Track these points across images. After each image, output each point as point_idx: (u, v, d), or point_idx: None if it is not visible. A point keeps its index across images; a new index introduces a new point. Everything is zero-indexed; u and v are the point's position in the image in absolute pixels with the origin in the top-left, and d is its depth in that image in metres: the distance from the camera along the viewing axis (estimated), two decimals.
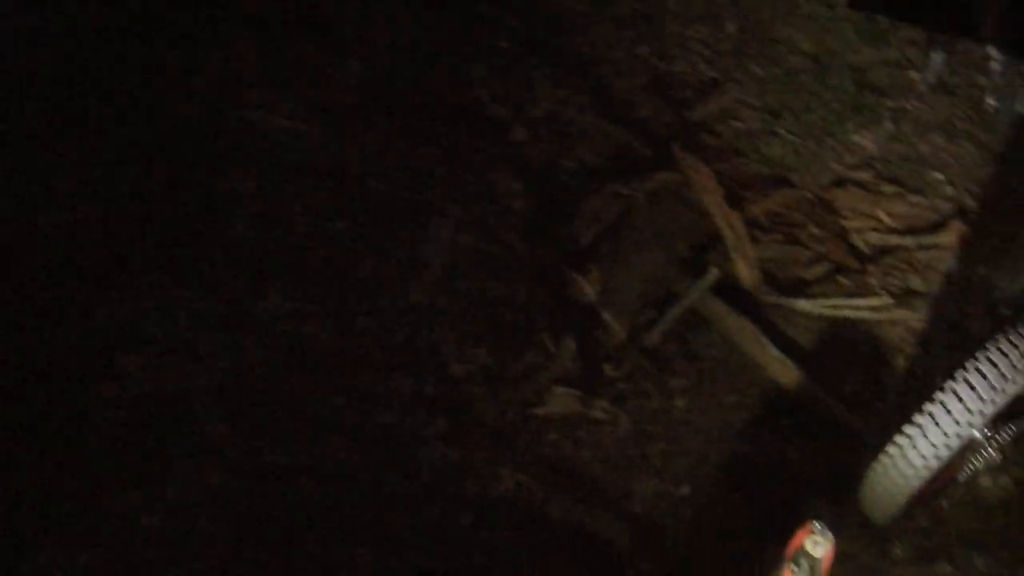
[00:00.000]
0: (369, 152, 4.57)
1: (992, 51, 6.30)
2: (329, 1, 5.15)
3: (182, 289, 4.00)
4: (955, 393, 3.23)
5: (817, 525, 2.78)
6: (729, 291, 4.46)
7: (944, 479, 3.50)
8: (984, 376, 3.21)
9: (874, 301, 4.56)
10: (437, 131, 4.75)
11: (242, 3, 5.06)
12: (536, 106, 5.05)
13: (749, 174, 5.03)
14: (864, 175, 5.43)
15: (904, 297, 4.64)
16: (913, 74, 6.50)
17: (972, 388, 3.21)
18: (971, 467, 3.72)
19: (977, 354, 3.28)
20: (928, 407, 3.28)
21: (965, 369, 3.25)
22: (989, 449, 3.64)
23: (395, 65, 5.00)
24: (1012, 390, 3.21)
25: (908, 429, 3.31)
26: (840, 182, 5.31)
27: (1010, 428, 3.59)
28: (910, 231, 5.10)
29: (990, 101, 6.30)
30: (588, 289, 4.24)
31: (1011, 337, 3.30)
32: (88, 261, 4.12)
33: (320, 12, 5.10)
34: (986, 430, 3.35)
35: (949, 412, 3.22)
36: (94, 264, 4.11)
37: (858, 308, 4.53)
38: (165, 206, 4.29)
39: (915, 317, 4.58)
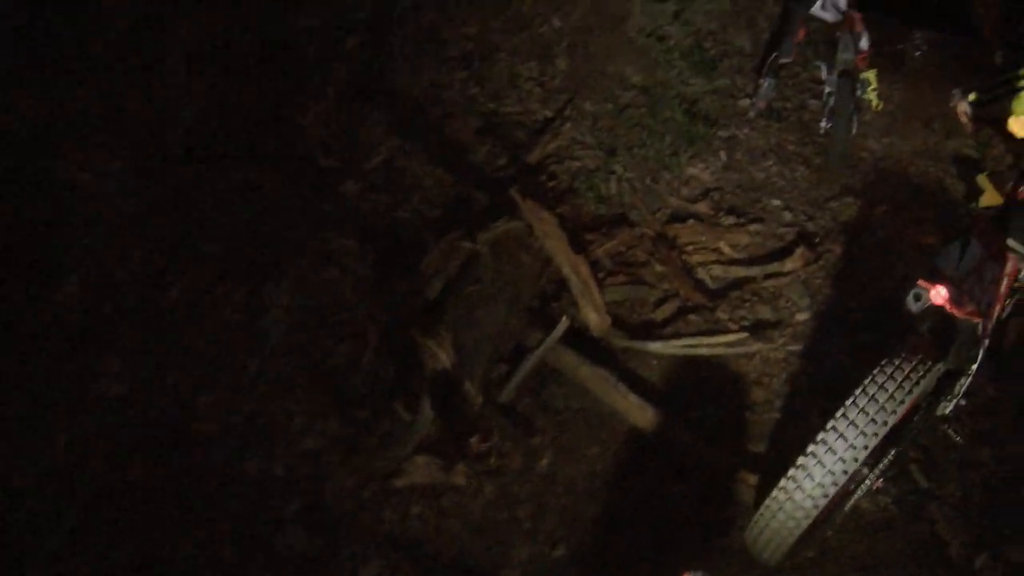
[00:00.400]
0: (201, 212, 4.47)
1: (824, 73, 6.63)
2: (153, 50, 5.02)
3: (12, 365, 3.90)
4: (837, 431, 3.37)
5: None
6: (580, 339, 4.48)
7: (828, 511, 3.59)
8: (864, 412, 3.38)
9: (727, 336, 4.66)
10: (269, 187, 4.66)
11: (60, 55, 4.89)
12: (368, 157, 5.01)
13: (589, 215, 5.11)
14: (702, 207, 5.59)
15: (756, 329, 4.75)
16: (743, 102, 6.76)
17: (854, 425, 3.36)
18: (854, 496, 3.85)
19: (855, 390, 3.44)
20: (811, 448, 3.40)
21: (845, 406, 3.41)
22: (871, 477, 3.79)
23: (224, 116, 4.92)
24: (892, 421, 3.38)
25: (793, 471, 3.41)
26: (679, 216, 5.45)
27: (890, 454, 3.74)
28: (754, 261, 5.27)
29: (823, 123, 6.62)
30: (438, 351, 4.16)
31: (886, 370, 3.46)
32: None
33: (143, 63, 4.99)
34: (868, 461, 3.49)
35: (833, 451, 3.36)
36: None
37: (712, 345, 4.62)
38: None
39: (770, 347, 4.71)
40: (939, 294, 3.49)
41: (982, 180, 4.60)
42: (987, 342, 3.71)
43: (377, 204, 4.80)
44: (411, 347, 4.26)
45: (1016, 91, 3.90)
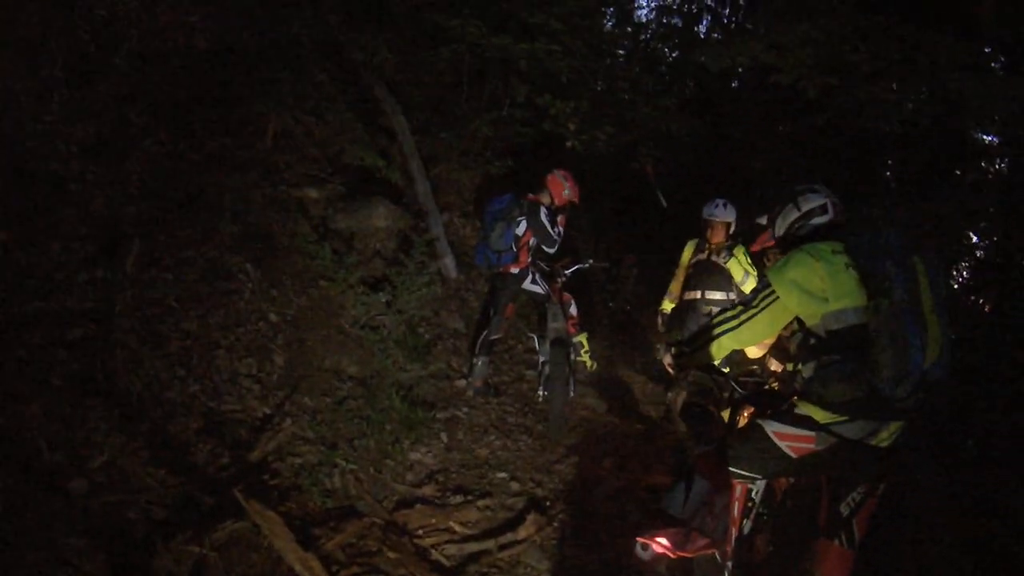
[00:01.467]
0: None
1: (536, 343, 7.11)
2: None
3: None
4: None
5: None
6: None
7: None
8: None
9: None
10: None
11: None
12: (95, 454, 4.95)
13: (317, 510, 5.29)
14: (428, 490, 5.91)
15: None
16: (460, 382, 7.22)
17: None
18: None
19: None
20: None
21: None
22: None
23: None
24: None
25: None
26: (407, 502, 5.79)
27: None
28: (488, 534, 5.60)
29: (540, 391, 7.05)
30: None
31: None
32: None
33: None
34: None
35: None
36: None
37: None
38: None
39: None
40: (660, 544, 3.75)
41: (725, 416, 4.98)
42: (731, 564, 4.02)
43: (106, 504, 4.71)
44: None
45: (713, 339, 4.16)
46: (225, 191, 7.00)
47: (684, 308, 7.26)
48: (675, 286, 7.49)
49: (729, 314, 4.03)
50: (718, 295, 7.08)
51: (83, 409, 5.11)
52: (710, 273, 7.20)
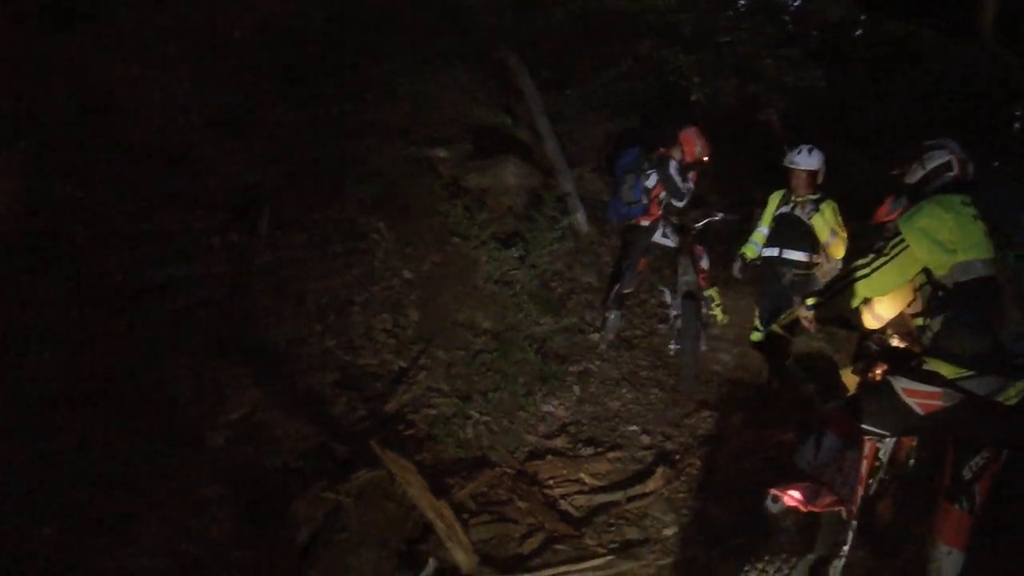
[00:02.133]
0: (67, 457, 4.45)
1: (668, 297, 7.13)
2: (20, 287, 5.02)
3: None
4: None
5: None
6: None
7: None
8: None
9: (595, 561, 4.89)
10: (133, 437, 4.70)
11: None
12: (232, 408, 5.19)
13: (449, 460, 5.40)
14: (560, 442, 5.97)
15: (624, 550, 5.00)
16: (593, 336, 7.26)
17: None
18: None
19: None
20: None
21: None
22: None
23: (91, 361, 4.96)
24: None
25: None
26: (538, 453, 5.85)
27: None
28: (617, 486, 5.64)
29: (672, 346, 7.06)
30: None
31: (757, 567, 3.74)
32: None
33: (13, 299, 5.00)
34: None
35: None
36: None
37: (581, 571, 4.83)
38: None
39: (639, 564, 4.93)
40: (792, 497, 3.76)
41: (846, 375, 4.93)
42: (855, 523, 3.97)
43: (243, 455, 4.95)
44: None
45: (847, 286, 4.15)
46: (355, 154, 7.18)
47: (764, 267, 6.94)
48: (757, 234, 7.01)
49: (861, 261, 3.99)
50: (797, 255, 6.73)
51: (222, 366, 5.36)
52: (791, 229, 6.77)
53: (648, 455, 5.94)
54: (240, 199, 6.33)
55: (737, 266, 6.95)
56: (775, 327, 6.60)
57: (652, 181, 7.10)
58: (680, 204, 7.16)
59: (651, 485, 5.56)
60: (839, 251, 6.51)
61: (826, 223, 6.57)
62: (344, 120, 7.45)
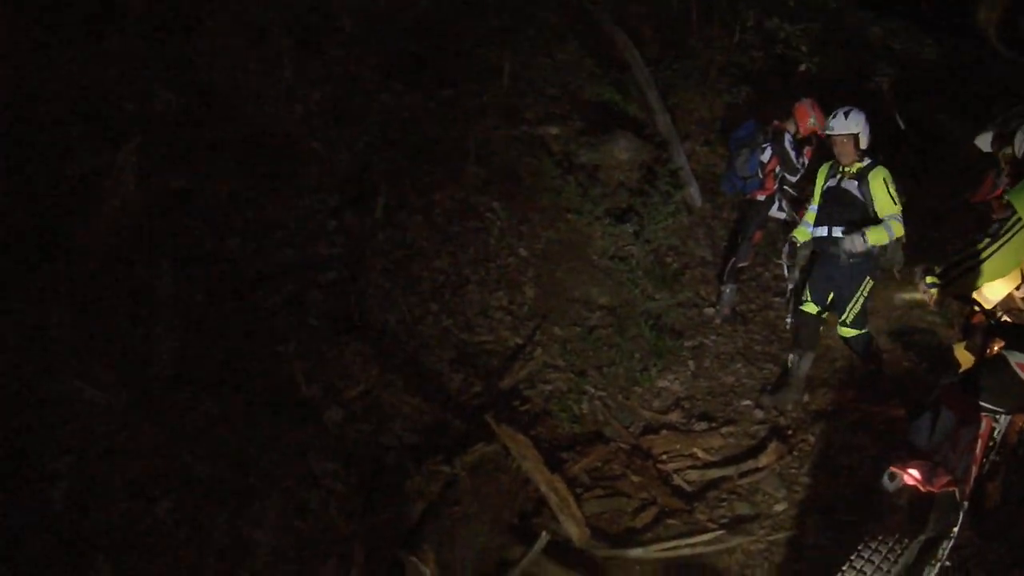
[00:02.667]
0: (189, 434, 4.61)
1: (785, 270, 7.06)
2: (142, 273, 5.11)
3: (3, 566, 3.83)
4: None
5: None
6: (563, 551, 4.71)
7: None
8: None
9: (705, 536, 4.92)
10: (254, 413, 4.86)
11: (54, 265, 4.94)
12: (349, 385, 5.34)
13: (564, 435, 5.50)
14: (674, 417, 6.04)
15: (735, 524, 5.03)
16: (708, 310, 7.27)
17: None
18: None
19: (842, 568, 3.65)
20: None
21: None
22: None
23: (212, 342, 5.13)
24: None
25: None
26: (653, 428, 5.90)
27: None
28: (729, 461, 5.66)
29: (789, 319, 7.00)
30: (423, 568, 4.37)
31: (864, 554, 3.70)
32: None
33: (134, 280, 5.10)
34: None
35: None
36: None
37: (692, 545, 4.88)
38: None
39: (749, 540, 4.95)
40: (912, 476, 3.73)
41: (959, 351, 4.84)
42: (967, 504, 3.89)
43: (359, 431, 5.10)
44: (396, 565, 4.46)
45: (974, 267, 4.04)
46: (467, 135, 7.26)
47: (815, 249, 6.33)
48: (808, 213, 6.36)
49: (980, 246, 3.90)
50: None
51: (338, 345, 5.52)
52: (839, 204, 6.11)
53: (761, 430, 5.92)
54: (354, 183, 6.49)
55: (786, 250, 6.53)
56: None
57: (767, 155, 7.04)
58: (794, 178, 7.10)
59: (763, 460, 5.54)
60: (898, 228, 5.91)
61: (883, 191, 5.96)
62: (455, 102, 7.56)
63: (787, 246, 6.58)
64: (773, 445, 5.67)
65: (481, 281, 6.51)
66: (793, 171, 6.99)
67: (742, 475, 5.44)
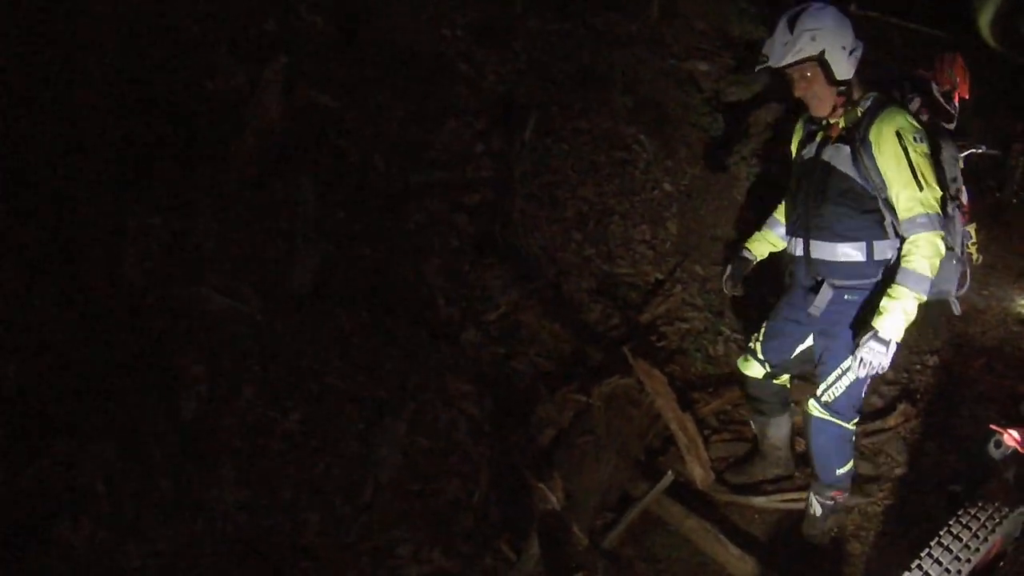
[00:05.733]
0: (325, 345, 4.69)
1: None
2: (285, 188, 5.13)
3: (129, 464, 3.87)
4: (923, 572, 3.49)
5: None
6: (684, 492, 4.75)
7: None
8: (938, 562, 3.52)
9: None
10: (391, 330, 4.94)
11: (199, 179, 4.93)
12: (488, 308, 5.40)
13: (696, 375, 5.47)
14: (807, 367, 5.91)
15: (855, 484, 4.87)
16: None
17: (939, 563, 3.51)
18: None
19: (931, 541, 3.60)
20: None
21: (921, 558, 3.54)
22: None
23: (352, 258, 5.19)
24: (967, 570, 3.53)
25: None
26: None
27: None
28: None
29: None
30: (549, 494, 4.45)
31: (962, 520, 3.65)
32: (32, 420, 3.83)
33: (278, 198, 5.14)
34: None
35: None
36: (39, 422, 3.82)
37: None
38: (116, 377, 4.08)
39: (867, 501, 4.93)
40: (1012, 437, 3.67)
41: None
42: None
43: (495, 354, 5.15)
44: (521, 489, 4.55)
45: None
46: (615, 65, 7.11)
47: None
48: (780, 208, 4.57)
49: None
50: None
51: (479, 267, 5.53)
52: (818, 192, 4.10)
53: (892, 391, 5.80)
54: (502, 107, 6.41)
55: (727, 272, 4.72)
56: None
57: (915, 105, 6.81)
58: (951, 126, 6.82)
59: (891, 422, 5.44)
60: (933, 242, 4.06)
61: (888, 168, 3.98)
62: (606, 31, 7.39)
63: (730, 266, 4.69)
64: (902, 407, 5.54)
65: (625, 213, 6.44)
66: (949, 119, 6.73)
67: (867, 435, 5.34)
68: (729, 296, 5.26)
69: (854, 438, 4.44)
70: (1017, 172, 9.24)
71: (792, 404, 4.88)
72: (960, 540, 3.58)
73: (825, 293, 4.18)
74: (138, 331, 4.22)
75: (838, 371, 4.23)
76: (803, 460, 4.91)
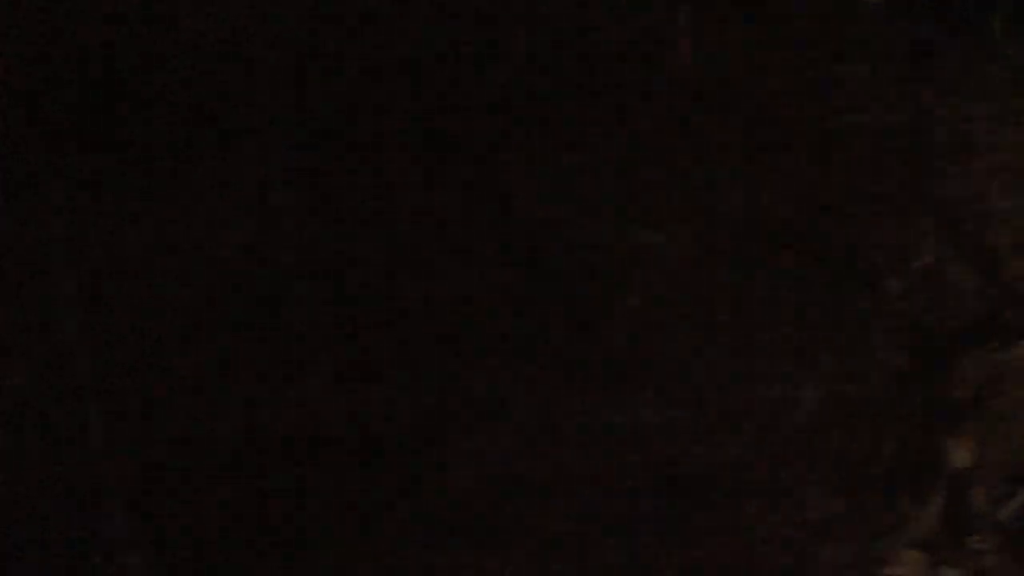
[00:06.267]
0: (749, 294, 4.61)
1: None
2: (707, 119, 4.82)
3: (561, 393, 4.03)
4: None
5: None
6: None
7: None
8: None
9: None
10: (814, 278, 4.77)
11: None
12: (913, 258, 5.20)
13: None
14: None
15: None
16: None
17: None
18: None
19: None
20: None
21: None
22: None
23: (783, 204, 4.91)
24: None
25: None
26: None
27: None
28: None
29: None
30: (959, 456, 4.34)
31: None
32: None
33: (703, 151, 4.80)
34: None
35: None
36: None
37: None
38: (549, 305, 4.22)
39: None
40: None
41: None
42: None
43: (918, 306, 4.93)
44: (931, 446, 4.44)
45: None
46: None
47: None
48: None
49: None
50: None
51: (905, 217, 5.19)
52: None
53: None
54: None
55: None
56: None
57: None
58: None
59: None
60: None
61: None
62: None
63: None
64: None
65: None
66: None
67: None
68: None
69: None
70: None
71: None
72: None
73: None
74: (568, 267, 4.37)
75: None
76: None
